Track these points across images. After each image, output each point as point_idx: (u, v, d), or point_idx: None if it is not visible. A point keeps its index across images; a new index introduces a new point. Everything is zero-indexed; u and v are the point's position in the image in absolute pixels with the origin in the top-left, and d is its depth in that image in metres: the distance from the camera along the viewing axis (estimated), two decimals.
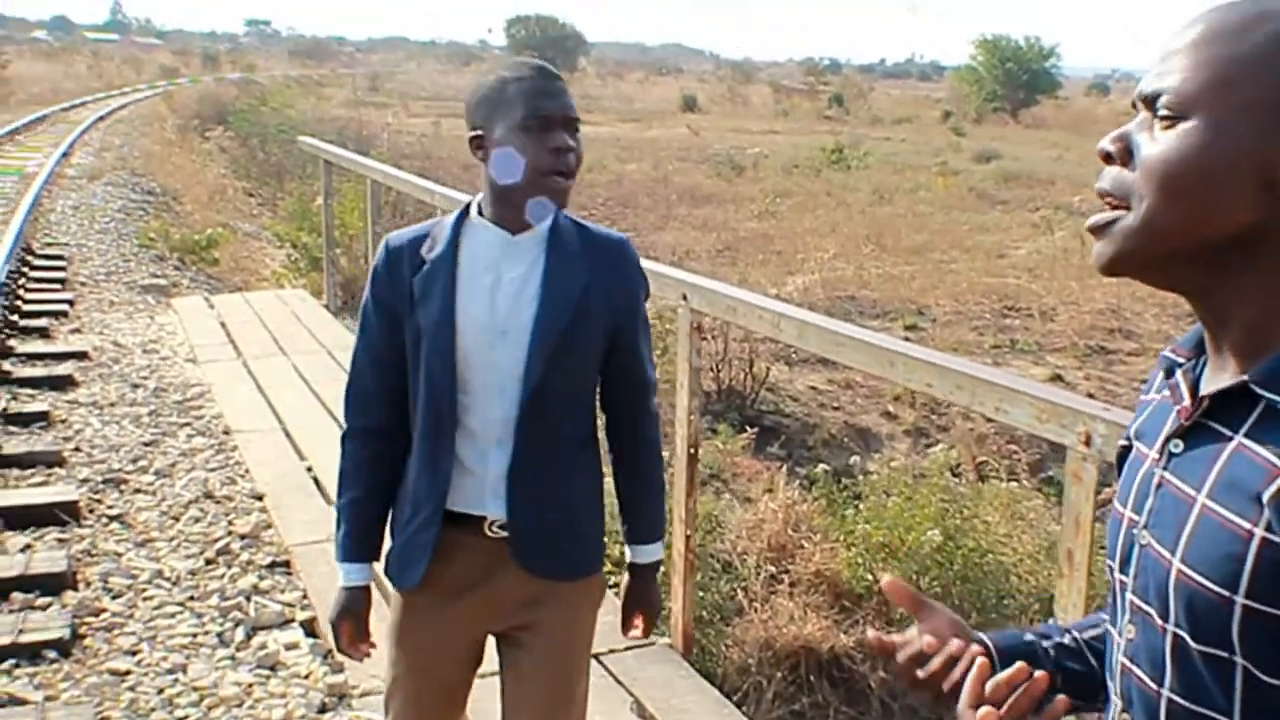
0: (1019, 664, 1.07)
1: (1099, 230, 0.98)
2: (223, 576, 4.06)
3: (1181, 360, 1.04)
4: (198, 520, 4.54)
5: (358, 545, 2.08)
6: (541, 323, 1.92)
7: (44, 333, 7.27)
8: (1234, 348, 0.97)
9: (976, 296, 14.69)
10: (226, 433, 5.58)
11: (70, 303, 8.17)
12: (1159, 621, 0.97)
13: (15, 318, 7.37)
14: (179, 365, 6.80)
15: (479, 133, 1.92)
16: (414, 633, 2.07)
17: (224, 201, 15.64)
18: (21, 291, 8.09)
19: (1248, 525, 0.88)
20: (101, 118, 24.95)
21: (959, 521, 6.23)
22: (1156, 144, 0.93)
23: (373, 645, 2.14)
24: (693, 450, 3.57)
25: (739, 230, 18.57)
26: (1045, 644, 1.21)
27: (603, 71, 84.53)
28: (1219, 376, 0.98)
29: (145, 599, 3.89)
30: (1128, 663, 1.02)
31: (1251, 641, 0.89)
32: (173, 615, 3.79)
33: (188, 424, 5.71)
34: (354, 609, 2.09)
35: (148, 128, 23.33)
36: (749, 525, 6.60)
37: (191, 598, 3.91)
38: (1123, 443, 1.11)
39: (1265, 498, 0.87)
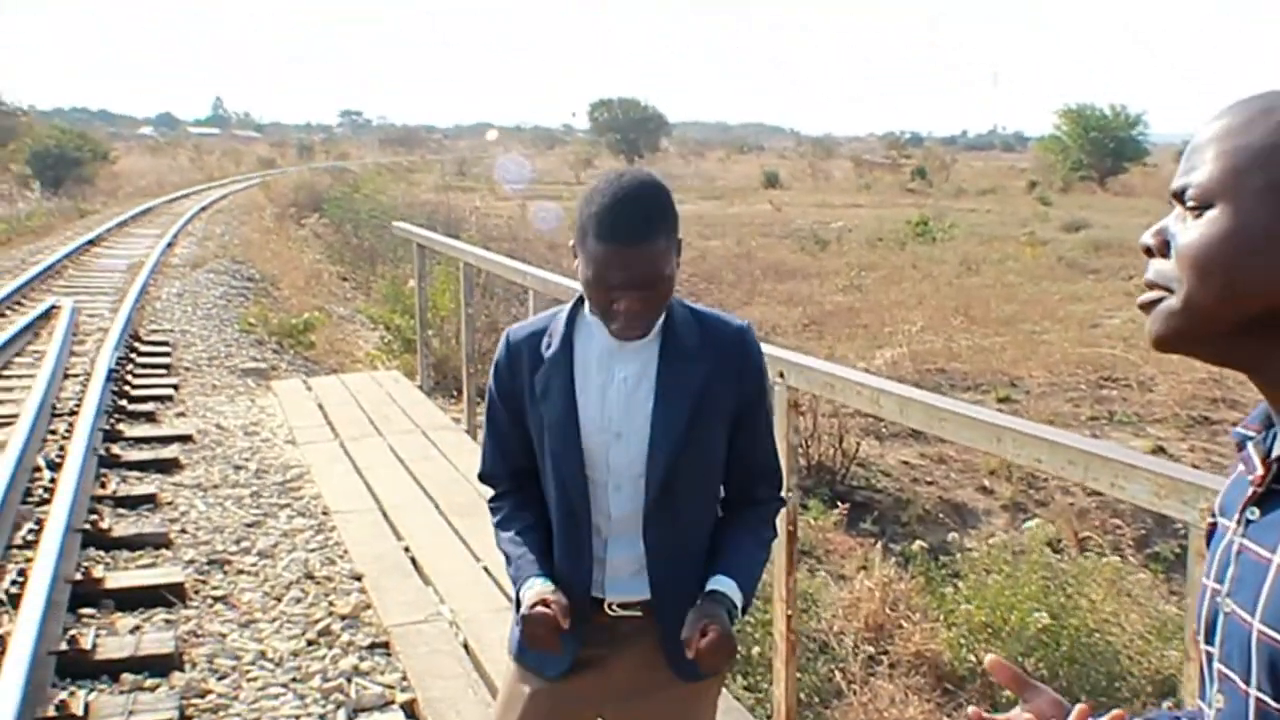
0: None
1: (1147, 308, 1.05)
2: (324, 658, 4.09)
3: (1252, 434, 1.08)
4: (299, 601, 4.59)
5: (540, 560, 2.02)
6: (658, 425, 1.92)
7: (151, 417, 7.49)
8: None
9: (1070, 367, 14.42)
10: (325, 513, 5.67)
11: (175, 387, 8.41)
12: (1242, 686, 0.99)
13: (124, 402, 7.60)
14: (279, 447, 6.94)
15: (573, 243, 1.91)
16: (531, 707, 2.06)
17: (319, 286, 16.06)
18: (129, 377, 8.35)
19: None
20: (203, 208, 25.90)
21: (1063, 599, 6.05)
22: (1188, 232, 1.01)
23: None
24: (791, 528, 3.53)
25: (824, 304, 18.53)
26: None
27: (685, 151, 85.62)
28: None
29: (249, 680, 3.93)
30: None
31: None
32: (276, 697, 3.82)
33: (288, 505, 5.81)
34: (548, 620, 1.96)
35: (246, 216, 24.14)
36: (845, 604, 6.49)
37: (294, 679, 3.95)
38: (1210, 520, 1.14)
39: None
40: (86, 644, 3.94)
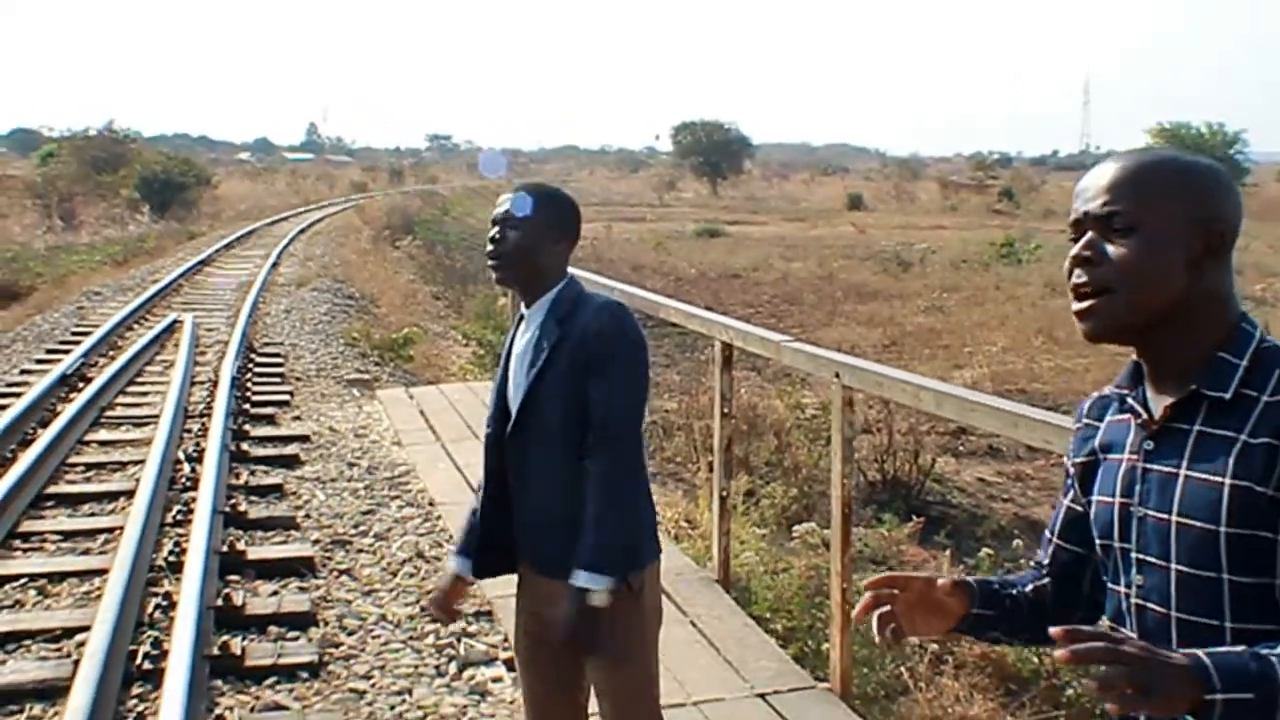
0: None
1: (1085, 314, 1.45)
2: (436, 622, 4.67)
3: (1126, 391, 1.51)
4: (412, 575, 5.20)
5: (467, 534, 2.83)
6: (529, 374, 2.52)
7: (271, 419, 8.21)
8: (1170, 376, 1.45)
9: None
10: (431, 504, 6.29)
11: (290, 394, 9.15)
12: (1163, 564, 1.41)
13: (246, 406, 8.34)
14: (386, 447, 7.60)
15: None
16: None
17: (415, 304, 16.85)
18: (249, 384, 9.11)
19: (1219, 479, 1.35)
20: (302, 230, 27.04)
21: None
22: (1123, 250, 1.42)
23: None
24: (846, 510, 4.01)
25: (905, 325, 18.71)
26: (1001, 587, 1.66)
27: (768, 173, 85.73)
28: (1162, 397, 1.45)
29: (374, 637, 4.54)
30: (1142, 603, 1.44)
31: (1231, 558, 1.34)
32: (397, 651, 4.42)
33: (397, 496, 6.45)
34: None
35: (344, 238, 25.18)
36: None
37: (411, 638, 4.54)
38: (1082, 460, 1.58)
39: (1231, 458, 1.34)
40: (238, 602, 4.59)
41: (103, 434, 7.64)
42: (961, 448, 11.84)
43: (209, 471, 6.01)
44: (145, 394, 8.84)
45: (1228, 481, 1.34)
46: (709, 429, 11.53)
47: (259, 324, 12.65)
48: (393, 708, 3.94)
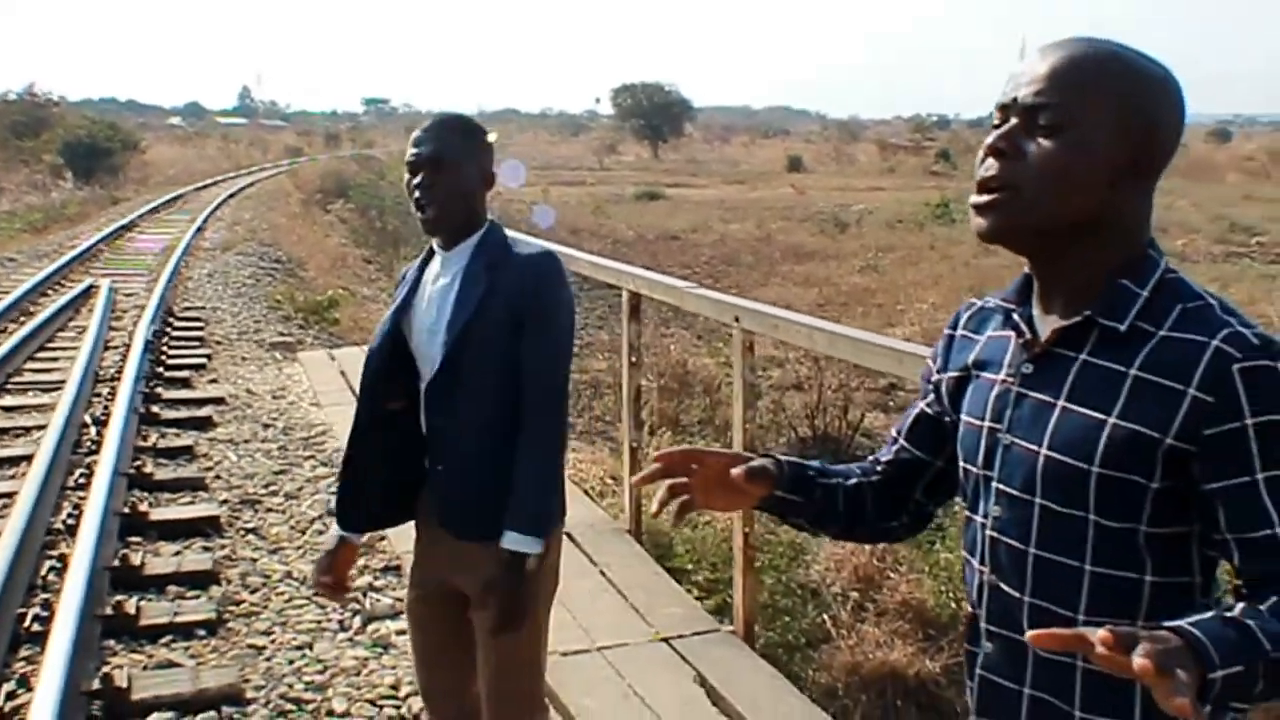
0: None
1: (984, 208, 1.30)
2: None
3: (1012, 306, 1.38)
4: (321, 533, 5.12)
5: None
6: (449, 322, 2.36)
7: (186, 383, 8.05)
8: (1062, 298, 1.31)
9: None
10: None
11: (208, 357, 8.99)
12: (1026, 498, 1.30)
13: (161, 369, 8.18)
14: (304, 408, 7.49)
15: None
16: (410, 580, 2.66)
17: (344, 268, 16.63)
18: (165, 349, 8.93)
19: (1100, 416, 1.24)
20: (232, 195, 26.56)
21: None
22: (1044, 148, 1.26)
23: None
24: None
25: (840, 285, 18.82)
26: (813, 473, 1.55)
27: (709, 136, 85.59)
28: (1050, 318, 1.32)
29: (278, 594, 4.48)
30: (997, 535, 1.34)
31: (1100, 499, 1.25)
32: (300, 607, 4.36)
33: (311, 456, 6.35)
34: None
35: (274, 203, 24.78)
36: (837, 558, 6.95)
37: (316, 593, 4.47)
38: (955, 374, 1.46)
39: (1120, 396, 1.23)
40: (136, 561, 4.50)
41: (7, 400, 7.45)
42: (891, 403, 11.95)
43: (113, 434, 5.87)
44: (55, 359, 8.63)
45: (1111, 420, 1.24)
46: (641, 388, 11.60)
47: (180, 288, 12.41)
48: (291, 662, 3.88)
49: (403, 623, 4.21)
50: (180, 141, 60.78)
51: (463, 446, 2.39)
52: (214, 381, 8.24)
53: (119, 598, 4.17)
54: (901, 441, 1.56)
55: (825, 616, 5.98)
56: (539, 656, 2.56)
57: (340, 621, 4.24)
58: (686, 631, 4.12)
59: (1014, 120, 1.28)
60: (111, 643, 3.94)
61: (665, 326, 13.40)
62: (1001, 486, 1.33)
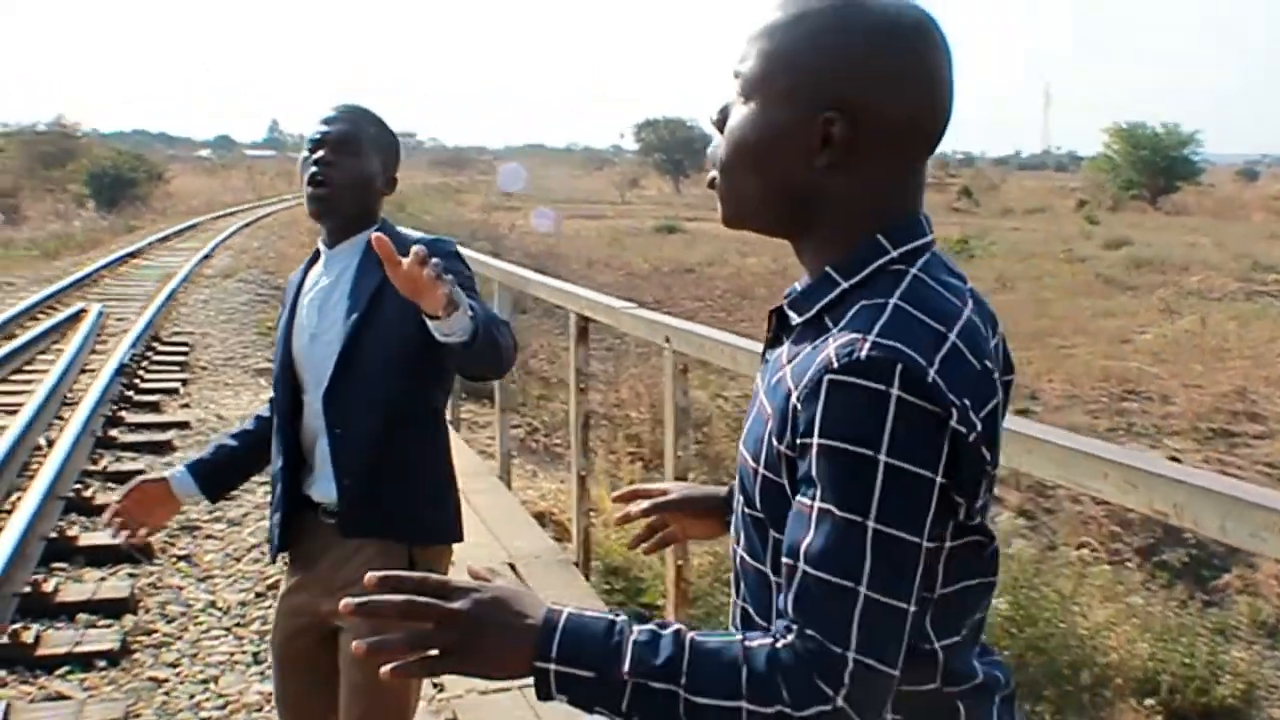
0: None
1: (716, 191, 1.15)
2: (269, 607, 4.41)
3: (799, 288, 1.18)
4: (257, 561, 4.93)
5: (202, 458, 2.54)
6: (346, 320, 2.18)
7: (155, 407, 7.90)
8: (806, 280, 1.15)
9: (1094, 380, 14.37)
10: None
11: (184, 382, 8.83)
12: (738, 495, 1.16)
13: (131, 393, 8.03)
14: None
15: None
16: (280, 607, 2.38)
17: None
18: (142, 373, 8.79)
19: (768, 411, 1.07)
20: (247, 224, 26.65)
21: (1030, 592, 6.20)
22: (733, 119, 1.11)
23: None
24: (680, 480, 3.78)
25: None
26: None
27: None
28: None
29: (196, 624, 4.28)
30: (731, 530, 1.20)
31: (764, 503, 1.08)
32: (217, 638, 4.16)
33: (265, 483, 6.13)
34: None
35: (285, 232, 24.78)
36: None
37: (238, 624, 4.28)
38: None
39: (786, 387, 1.06)
40: (48, 588, 4.30)
41: None
42: None
43: (54, 457, 5.70)
44: (29, 382, 8.50)
45: (770, 417, 1.06)
46: (630, 419, 11.29)
47: (172, 313, 12.32)
48: (191, 696, 3.67)
49: None
50: (207, 173, 61.32)
51: (368, 451, 2.20)
52: (185, 406, 8.08)
53: (18, 625, 3.96)
54: None
55: None
56: (407, 701, 2.32)
57: (255, 654, 4.02)
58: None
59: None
60: (2, 673, 3.75)
61: (658, 356, 13.19)
62: (734, 485, 1.21)
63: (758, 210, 1.13)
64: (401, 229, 2.29)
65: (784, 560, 1.01)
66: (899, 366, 0.98)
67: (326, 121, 2.23)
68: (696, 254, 28.20)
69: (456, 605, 1.01)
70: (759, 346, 2.97)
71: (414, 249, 1.83)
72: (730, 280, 24.05)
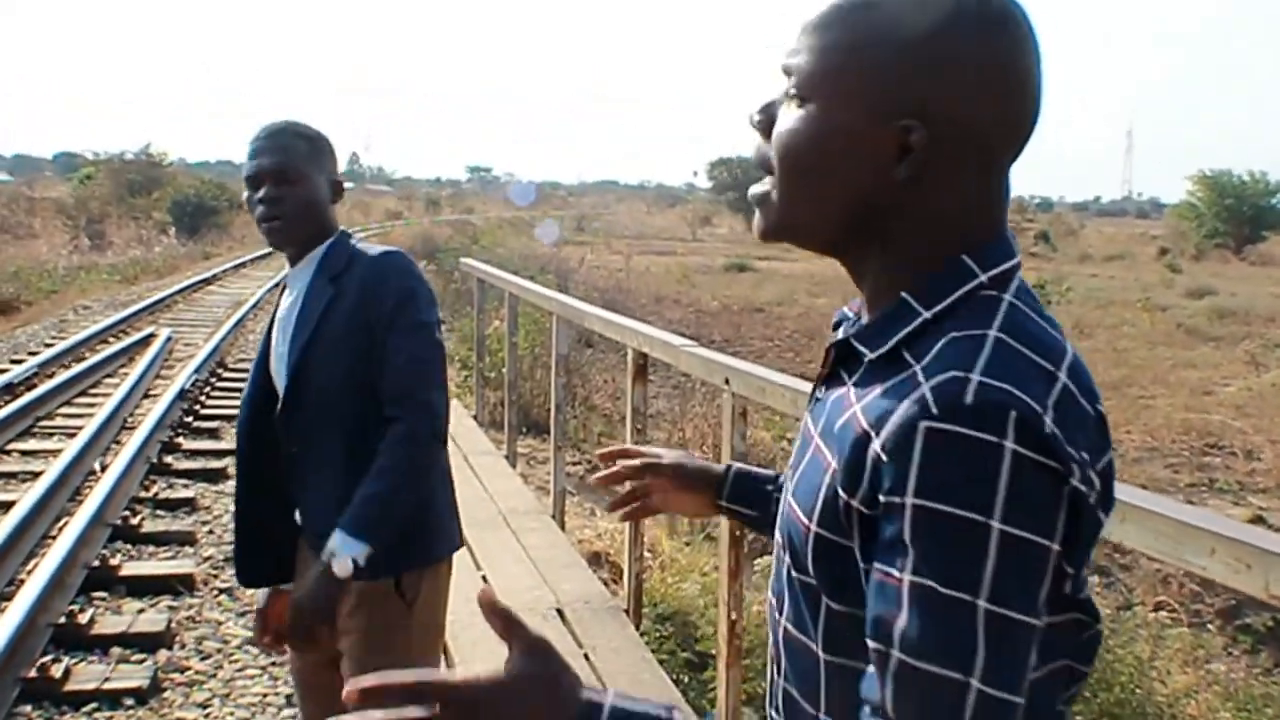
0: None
1: (760, 202, 1.00)
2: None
3: (851, 315, 1.06)
4: None
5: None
6: (296, 339, 2.13)
7: (214, 433, 7.86)
8: (867, 307, 1.00)
9: (1174, 433, 13.91)
10: None
11: None
12: (781, 554, 1.00)
13: (191, 419, 8.01)
14: None
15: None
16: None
17: None
18: (203, 399, 8.78)
19: (830, 459, 0.91)
20: None
21: (1105, 655, 5.90)
22: (785, 121, 0.96)
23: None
24: (737, 534, 3.57)
25: None
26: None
27: None
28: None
29: (231, 661, 4.14)
30: (773, 600, 1.03)
31: (818, 567, 0.91)
32: (252, 677, 4.02)
33: None
34: None
35: None
36: None
37: (274, 663, 4.13)
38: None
39: (857, 431, 0.88)
40: (84, 619, 4.19)
41: (31, 443, 7.33)
42: None
43: (104, 482, 5.64)
44: (92, 405, 8.53)
45: (833, 465, 0.90)
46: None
47: (240, 340, 12.37)
48: None
49: None
50: None
51: (323, 474, 2.14)
52: None
53: (47, 659, 3.85)
54: None
55: None
56: None
57: (289, 697, 3.87)
58: None
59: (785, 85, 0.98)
60: (28, 708, 3.63)
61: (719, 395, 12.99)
62: (779, 537, 1.01)
63: (811, 225, 0.98)
64: (358, 243, 2.23)
65: (871, 644, 0.85)
66: (1013, 414, 0.81)
67: (257, 153, 2.18)
68: (766, 293, 28.02)
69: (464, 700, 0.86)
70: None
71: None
72: (799, 321, 23.78)
